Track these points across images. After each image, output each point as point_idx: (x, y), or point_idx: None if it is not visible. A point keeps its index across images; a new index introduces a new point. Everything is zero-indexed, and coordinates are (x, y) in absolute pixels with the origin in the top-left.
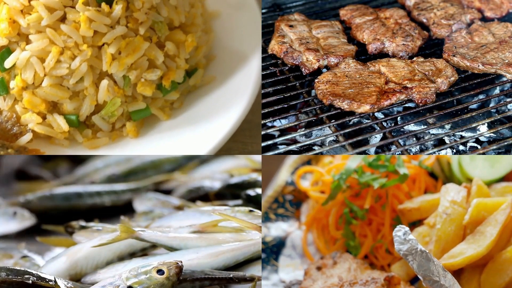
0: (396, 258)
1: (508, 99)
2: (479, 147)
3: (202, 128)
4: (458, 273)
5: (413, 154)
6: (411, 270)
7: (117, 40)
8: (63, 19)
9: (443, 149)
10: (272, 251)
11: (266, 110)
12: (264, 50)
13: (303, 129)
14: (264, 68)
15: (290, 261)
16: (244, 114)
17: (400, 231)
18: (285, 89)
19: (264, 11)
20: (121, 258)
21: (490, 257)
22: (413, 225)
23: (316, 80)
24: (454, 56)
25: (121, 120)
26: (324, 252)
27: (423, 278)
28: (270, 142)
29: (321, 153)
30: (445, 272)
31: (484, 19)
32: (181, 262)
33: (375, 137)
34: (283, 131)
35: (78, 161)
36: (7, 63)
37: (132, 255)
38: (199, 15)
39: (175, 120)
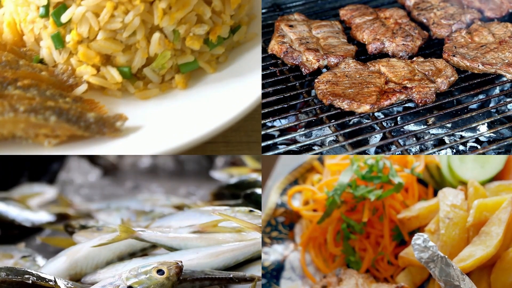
0: (399, 269)
1: (508, 99)
2: (479, 147)
3: (245, 82)
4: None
5: (413, 154)
6: (416, 279)
7: None
8: None
9: (443, 149)
10: (272, 275)
11: (266, 110)
12: (264, 50)
13: (303, 129)
14: (264, 68)
15: (291, 283)
16: None
17: (419, 239)
18: (285, 89)
19: (264, 11)
20: (121, 258)
21: (497, 257)
22: (411, 234)
23: (316, 80)
24: (454, 56)
25: (170, 72)
26: (325, 271)
27: (445, 284)
28: (270, 142)
29: (321, 153)
30: (463, 275)
31: (484, 19)
32: (181, 262)
33: (375, 137)
34: (283, 131)
35: None
36: (64, 18)
37: (132, 255)
38: None
39: (220, 73)
